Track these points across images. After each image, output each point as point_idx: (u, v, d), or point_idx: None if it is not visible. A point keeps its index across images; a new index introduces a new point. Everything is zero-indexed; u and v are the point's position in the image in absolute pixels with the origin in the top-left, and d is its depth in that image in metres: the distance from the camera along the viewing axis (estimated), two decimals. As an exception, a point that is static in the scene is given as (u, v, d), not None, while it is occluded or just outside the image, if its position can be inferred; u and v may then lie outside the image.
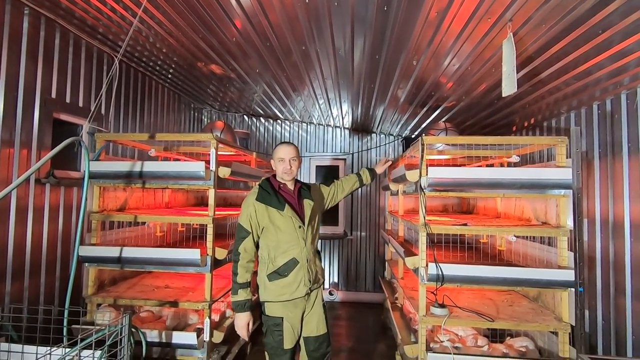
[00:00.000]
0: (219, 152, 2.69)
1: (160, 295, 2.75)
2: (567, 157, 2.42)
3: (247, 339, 2.48)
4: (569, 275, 2.26)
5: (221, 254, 2.70)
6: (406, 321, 3.02)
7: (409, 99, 3.57)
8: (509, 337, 2.66)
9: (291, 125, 5.44)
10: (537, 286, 2.34)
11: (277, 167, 2.10)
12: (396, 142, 5.29)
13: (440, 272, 2.32)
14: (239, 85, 3.94)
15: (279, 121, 5.45)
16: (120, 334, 1.85)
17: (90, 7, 2.42)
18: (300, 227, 2.01)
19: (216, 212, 2.68)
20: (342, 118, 4.87)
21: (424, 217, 2.44)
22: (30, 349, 1.86)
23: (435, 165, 2.53)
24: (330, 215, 5.28)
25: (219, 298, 2.80)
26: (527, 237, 2.84)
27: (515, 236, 2.58)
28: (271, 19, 2.36)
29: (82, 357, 1.84)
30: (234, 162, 2.83)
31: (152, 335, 2.47)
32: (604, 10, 1.69)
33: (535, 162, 3.40)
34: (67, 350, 1.82)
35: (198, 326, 2.70)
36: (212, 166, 2.62)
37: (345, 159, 5.35)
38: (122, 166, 2.67)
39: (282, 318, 1.96)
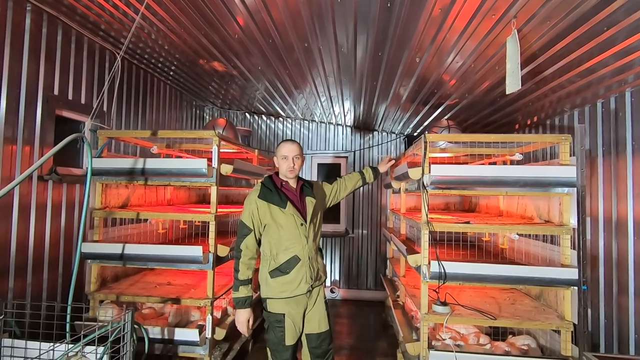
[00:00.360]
0: (221, 150, 2.69)
1: (162, 292, 2.76)
2: (570, 155, 2.41)
3: (247, 336, 2.49)
4: (573, 273, 2.25)
5: (223, 251, 2.70)
6: (408, 319, 3.03)
7: (412, 96, 3.56)
8: (511, 336, 2.66)
9: (293, 123, 5.43)
10: (540, 284, 2.34)
11: (280, 165, 2.09)
12: (398, 140, 5.28)
13: (442, 270, 2.32)
14: (241, 83, 3.93)
15: (280, 119, 5.44)
16: (123, 331, 1.86)
17: (93, 3, 2.42)
18: (302, 224, 2.00)
19: (218, 210, 2.68)
20: (344, 116, 4.86)
21: (427, 215, 2.44)
22: (33, 344, 1.87)
23: (437, 163, 2.52)
24: (332, 213, 5.27)
25: (221, 295, 2.81)
26: (529, 235, 2.83)
27: (517, 234, 2.57)
28: (274, 16, 2.35)
29: (85, 353, 1.84)
30: (236, 160, 2.82)
31: (155, 331, 2.48)
32: (609, 7, 1.68)
33: (538, 160, 3.38)
34: (70, 346, 1.83)
35: (200, 323, 2.71)
36: (215, 163, 2.62)
37: (347, 157, 5.35)
38: (125, 163, 2.67)
39: (284, 314, 1.96)
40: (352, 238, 5.27)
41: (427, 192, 2.45)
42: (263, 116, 5.46)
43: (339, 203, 5.07)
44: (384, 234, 4.62)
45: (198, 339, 2.47)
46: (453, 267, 2.34)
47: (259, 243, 2.05)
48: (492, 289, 3.02)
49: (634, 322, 2.38)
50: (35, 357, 1.76)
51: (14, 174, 2.34)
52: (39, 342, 1.85)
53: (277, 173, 2.15)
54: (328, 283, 5.21)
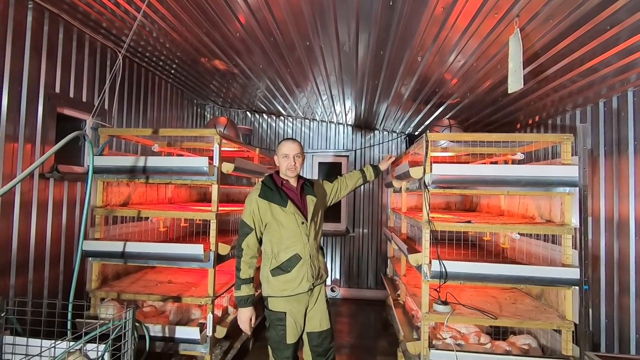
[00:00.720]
0: (222, 148, 2.69)
1: (163, 290, 2.76)
2: (572, 155, 2.40)
3: (249, 334, 2.49)
4: (574, 273, 2.25)
5: (224, 249, 2.71)
6: (408, 318, 3.03)
7: (413, 95, 3.55)
8: (511, 335, 2.66)
9: (294, 122, 5.43)
10: (541, 284, 2.34)
11: (280, 164, 2.09)
12: (399, 139, 5.27)
13: (443, 269, 2.32)
14: (242, 81, 3.93)
15: (281, 117, 5.44)
16: (124, 328, 1.86)
17: (94, 1, 2.41)
18: (303, 223, 2.00)
19: (219, 208, 2.68)
20: (345, 115, 4.86)
21: (428, 214, 2.43)
22: (34, 342, 1.87)
23: (439, 162, 2.52)
24: (332, 212, 5.27)
25: (222, 293, 2.81)
26: (530, 235, 2.83)
27: (519, 234, 2.57)
28: (275, 14, 2.35)
29: (86, 351, 1.85)
30: (237, 158, 2.82)
31: (156, 329, 2.48)
32: (612, 6, 1.67)
33: (539, 159, 3.38)
34: (72, 343, 1.83)
35: (201, 321, 2.71)
36: (216, 162, 2.62)
37: (348, 156, 5.34)
38: (126, 161, 2.67)
39: (285, 313, 1.96)
40: (353, 237, 5.27)
41: (428, 191, 2.45)
42: (264, 115, 5.46)
43: (340, 202, 5.07)
44: (385, 233, 4.62)
45: (199, 337, 2.47)
46: (454, 266, 2.34)
47: (260, 242, 2.05)
48: (493, 289, 3.02)
49: (634, 321, 2.38)
50: (37, 355, 1.77)
51: (16, 172, 2.34)
52: (40, 340, 1.85)
53: (277, 172, 2.14)
54: (329, 282, 5.21)
